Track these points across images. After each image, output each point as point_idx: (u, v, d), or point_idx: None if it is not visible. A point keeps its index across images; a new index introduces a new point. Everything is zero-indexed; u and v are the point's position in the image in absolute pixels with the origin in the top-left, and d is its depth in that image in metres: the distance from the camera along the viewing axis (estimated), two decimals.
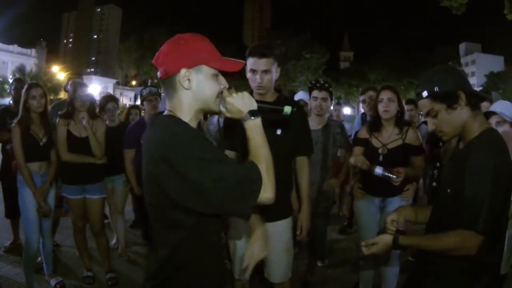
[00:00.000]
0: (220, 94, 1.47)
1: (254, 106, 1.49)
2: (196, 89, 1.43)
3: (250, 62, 2.43)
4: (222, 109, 1.51)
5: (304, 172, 2.65)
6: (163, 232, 1.45)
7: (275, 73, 2.47)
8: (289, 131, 2.48)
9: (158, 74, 1.47)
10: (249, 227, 2.48)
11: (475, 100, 1.65)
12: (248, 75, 2.47)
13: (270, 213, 2.42)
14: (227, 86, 1.50)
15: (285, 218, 2.56)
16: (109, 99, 4.60)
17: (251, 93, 2.49)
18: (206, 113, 1.63)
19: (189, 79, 1.41)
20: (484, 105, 3.20)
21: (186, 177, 1.28)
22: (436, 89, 1.63)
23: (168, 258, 1.43)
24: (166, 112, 1.48)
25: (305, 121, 2.70)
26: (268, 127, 2.31)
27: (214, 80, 1.45)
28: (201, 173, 1.27)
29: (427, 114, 1.70)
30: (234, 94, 1.47)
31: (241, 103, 1.47)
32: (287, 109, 1.68)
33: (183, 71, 1.40)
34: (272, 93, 2.56)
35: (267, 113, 1.67)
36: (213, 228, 1.50)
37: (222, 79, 1.48)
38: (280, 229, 2.53)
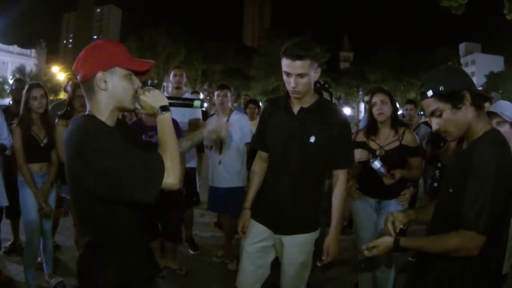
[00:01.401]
0: (134, 93, 1.61)
1: (164, 102, 1.62)
2: (112, 90, 1.57)
3: (284, 63, 2.18)
4: (137, 106, 1.64)
5: (339, 188, 2.38)
6: (83, 223, 1.68)
7: (313, 75, 2.22)
8: (325, 139, 2.28)
9: (78, 79, 1.61)
10: (265, 234, 2.41)
11: (479, 99, 1.65)
12: (283, 76, 2.24)
13: (295, 224, 2.36)
14: (140, 85, 1.64)
15: (308, 232, 2.38)
16: None
17: (288, 95, 2.34)
18: (123, 111, 1.75)
19: (105, 81, 1.55)
20: (485, 105, 3.20)
21: (96, 169, 1.41)
22: (441, 88, 1.62)
23: (90, 243, 1.62)
24: (84, 114, 1.63)
25: (347, 131, 2.43)
26: (301, 133, 2.28)
27: (127, 80, 1.59)
28: (108, 163, 1.40)
29: (432, 113, 1.68)
30: (146, 92, 1.61)
31: (153, 99, 1.60)
32: (197, 103, 1.84)
33: (99, 74, 1.54)
34: (311, 96, 2.33)
35: (178, 106, 1.84)
36: (127, 222, 1.64)
37: (135, 79, 1.63)
38: (301, 242, 2.38)
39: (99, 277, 1.59)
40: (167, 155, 1.48)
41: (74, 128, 1.54)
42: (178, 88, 4.66)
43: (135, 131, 2.06)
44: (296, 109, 2.33)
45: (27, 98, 3.38)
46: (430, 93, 1.65)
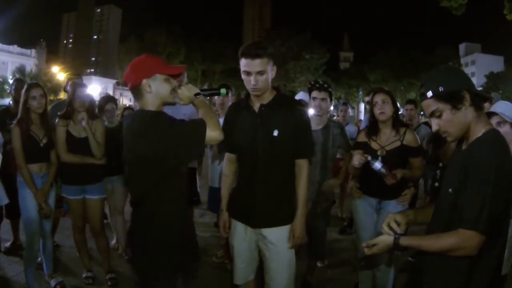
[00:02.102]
0: (173, 91, 2.09)
1: (196, 90, 2.18)
2: (155, 91, 2.04)
3: (243, 63, 2.32)
4: (177, 100, 2.14)
5: (302, 176, 2.49)
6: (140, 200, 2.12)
7: (270, 72, 2.36)
8: (287, 132, 2.39)
9: (129, 87, 2.10)
10: (246, 231, 2.51)
11: (478, 100, 1.65)
12: (243, 76, 2.37)
13: (270, 217, 2.45)
14: (177, 84, 2.14)
15: (286, 224, 2.45)
16: (108, 99, 4.58)
17: (248, 96, 2.50)
18: (167, 104, 2.14)
19: (149, 85, 2.02)
20: (485, 106, 3.19)
21: (160, 141, 1.92)
22: (440, 89, 1.61)
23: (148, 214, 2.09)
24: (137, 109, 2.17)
25: (305, 121, 2.55)
26: (264, 128, 2.38)
27: (166, 82, 2.06)
28: (169, 132, 1.94)
29: (431, 114, 1.68)
30: (182, 87, 2.14)
31: (187, 92, 2.15)
32: (223, 91, 2.35)
33: (144, 81, 2.02)
34: (269, 92, 2.45)
35: (208, 94, 2.39)
36: (170, 196, 2.08)
37: (172, 80, 2.10)
38: (281, 235, 2.44)
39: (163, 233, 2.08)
40: (208, 120, 2.01)
41: (133, 119, 2.11)
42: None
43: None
44: (256, 106, 2.45)
45: (26, 98, 3.36)
46: (429, 93, 1.64)
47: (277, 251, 2.44)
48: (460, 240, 1.54)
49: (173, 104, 2.15)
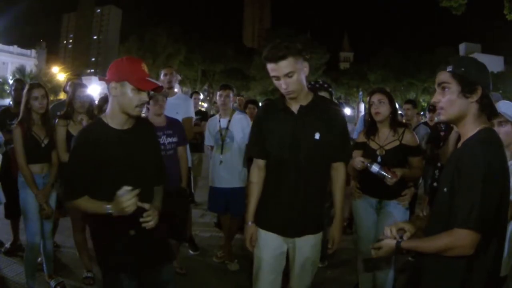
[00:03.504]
0: (140, 105, 2.05)
1: (120, 206, 1.99)
2: (119, 97, 2.04)
3: (269, 68, 2.19)
4: (139, 114, 2.16)
5: (340, 179, 2.43)
6: None
7: (302, 70, 2.20)
8: (328, 134, 2.28)
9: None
10: (278, 242, 2.40)
11: (486, 103, 1.65)
12: (274, 81, 2.24)
13: (309, 225, 2.38)
14: (146, 100, 2.08)
15: (318, 231, 2.42)
16: (107, 100, 4.56)
17: (283, 97, 2.33)
18: (128, 116, 2.09)
19: (115, 88, 2.03)
20: None
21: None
22: (462, 69, 1.64)
23: None
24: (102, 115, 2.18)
25: (344, 123, 2.45)
26: (305, 131, 2.29)
27: (133, 93, 2.02)
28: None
29: (439, 84, 1.70)
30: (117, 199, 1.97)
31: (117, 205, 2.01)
32: None
33: (113, 83, 2.04)
34: (306, 94, 2.32)
35: None
36: None
37: (142, 94, 2.05)
38: (312, 242, 2.40)
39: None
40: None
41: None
42: (169, 88, 4.62)
43: (153, 131, 2.45)
44: (295, 108, 2.31)
45: (28, 98, 3.36)
46: (450, 68, 1.67)
47: (307, 258, 2.40)
48: (454, 239, 1.55)
49: (134, 116, 2.12)
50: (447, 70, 1.67)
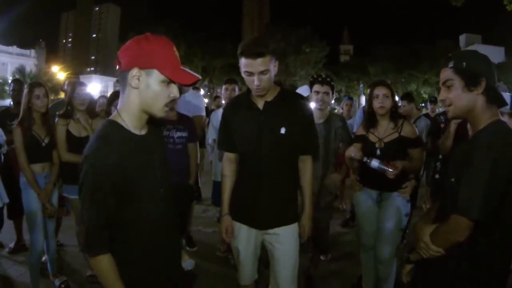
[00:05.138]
0: (169, 103, 1.53)
1: None
2: (142, 91, 1.48)
3: (244, 63, 2.17)
4: (164, 116, 1.58)
5: (308, 172, 2.46)
6: None
7: (273, 69, 2.22)
8: (294, 128, 2.31)
9: (117, 66, 1.51)
10: (250, 233, 2.46)
11: (493, 95, 1.65)
12: (244, 76, 2.24)
13: (277, 217, 2.40)
14: (177, 96, 1.55)
15: (291, 223, 2.43)
16: (117, 95, 4.49)
17: (249, 92, 2.38)
18: (150, 116, 1.59)
19: (138, 79, 1.46)
20: None
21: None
22: (463, 64, 1.65)
23: None
24: (113, 114, 1.59)
25: (310, 117, 2.47)
26: (270, 126, 2.31)
27: (163, 86, 1.49)
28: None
29: (444, 83, 1.71)
30: None
31: None
32: None
33: (135, 70, 1.45)
34: (273, 89, 2.35)
35: None
36: None
37: (173, 87, 1.52)
38: (287, 234, 2.42)
39: None
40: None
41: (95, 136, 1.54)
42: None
43: (163, 139, 1.98)
44: (260, 103, 2.34)
45: (29, 98, 3.35)
46: (451, 64, 1.68)
47: (284, 249, 2.41)
48: (450, 226, 1.60)
49: (158, 118, 1.59)
50: (449, 66, 1.69)
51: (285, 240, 2.41)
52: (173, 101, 1.59)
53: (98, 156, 1.45)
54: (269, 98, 2.33)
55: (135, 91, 1.49)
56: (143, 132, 1.60)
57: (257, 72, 2.16)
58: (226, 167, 2.56)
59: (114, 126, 1.53)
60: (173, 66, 1.49)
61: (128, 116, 1.54)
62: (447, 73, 1.69)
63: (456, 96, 1.67)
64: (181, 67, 1.53)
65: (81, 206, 1.49)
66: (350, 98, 7.10)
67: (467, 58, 1.67)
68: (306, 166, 2.47)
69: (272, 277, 2.49)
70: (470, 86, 1.63)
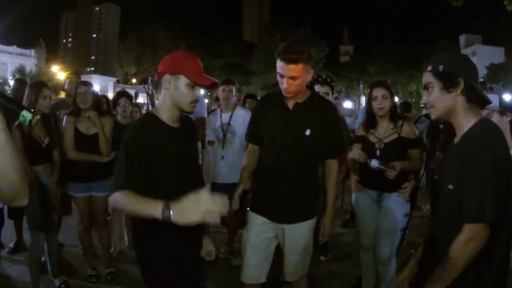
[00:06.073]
0: (194, 101, 1.94)
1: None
2: (173, 91, 1.91)
3: (278, 65, 2.28)
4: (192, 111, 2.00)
5: (332, 175, 2.57)
6: None
7: (306, 76, 2.31)
8: (319, 132, 2.39)
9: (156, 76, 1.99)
10: (265, 226, 2.49)
11: (474, 95, 1.66)
12: (277, 75, 2.33)
13: (295, 213, 2.47)
14: (199, 96, 1.99)
15: (307, 219, 2.50)
16: (121, 94, 4.49)
17: (280, 92, 2.43)
18: (181, 111, 1.98)
19: (169, 82, 1.90)
20: None
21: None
22: (440, 67, 1.68)
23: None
24: (151, 109, 2.02)
25: (338, 122, 2.57)
26: (296, 126, 2.39)
27: (188, 88, 1.90)
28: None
29: (425, 86, 1.76)
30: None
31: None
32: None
33: (167, 76, 1.90)
34: (303, 92, 2.43)
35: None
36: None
37: (197, 90, 1.94)
38: (304, 230, 2.49)
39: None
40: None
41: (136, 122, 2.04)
42: None
43: (196, 132, 2.35)
44: (291, 104, 2.42)
45: (36, 98, 3.33)
46: (429, 68, 1.74)
47: (298, 245, 2.48)
48: (470, 234, 1.53)
49: (187, 113, 2.01)
50: (428, 70, 1.74)
51: (300, 236, 2.48)
52: (197, 100, 1.95)
53: (134, 128, 1.92)
54: (300, 99, 2.42)
55: (167, 92, 1.92)
56: (176, 125, 1.99)
57: (287, 76, 2.25)
58: (249, 156, 2.62)
59: (152, 117, 1.96)
60: (195, 72, 1.91)
61: (163, 111, 1.96)
62: (426, 77, 1.74)
63: (436, 98, 1.70)
64: (203, 74, 1.94)
65: (116, 160, 1.87)
66: (336, 98, 7.10)
67: (444, 60, 1.71)
68: (331, 171, 2.56)
69: (284, 270, 2.57)
70: (449, 88, 1.66)
